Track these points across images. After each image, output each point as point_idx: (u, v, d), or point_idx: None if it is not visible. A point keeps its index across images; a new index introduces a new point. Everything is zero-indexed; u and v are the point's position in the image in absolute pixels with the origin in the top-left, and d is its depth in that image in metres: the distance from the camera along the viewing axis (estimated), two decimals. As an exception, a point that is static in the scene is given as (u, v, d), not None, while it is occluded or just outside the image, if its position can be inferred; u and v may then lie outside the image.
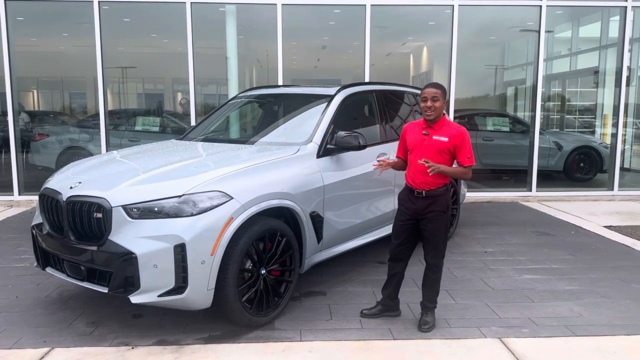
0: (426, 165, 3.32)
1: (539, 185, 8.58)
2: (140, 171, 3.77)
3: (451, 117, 8.11)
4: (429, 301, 3.64)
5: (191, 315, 3.72)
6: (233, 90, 8.29)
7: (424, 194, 3.50)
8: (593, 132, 10.42)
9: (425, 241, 3.58)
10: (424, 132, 3.53)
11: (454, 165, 3.57)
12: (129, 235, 3.22)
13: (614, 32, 8.92)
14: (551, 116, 10.61)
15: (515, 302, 4.12)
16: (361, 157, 4.48)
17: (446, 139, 3.45)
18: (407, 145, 3.63)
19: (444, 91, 3.49)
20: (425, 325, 3.57)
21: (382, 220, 4.94)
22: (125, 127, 9.09)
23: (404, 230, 3.63)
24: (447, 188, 3.57)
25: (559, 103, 10.82)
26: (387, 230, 4.98)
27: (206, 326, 3.62)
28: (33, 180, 8.18)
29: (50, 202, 3.66)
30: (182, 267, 3.18)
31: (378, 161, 3.67)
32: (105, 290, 3.29)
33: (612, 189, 8.72)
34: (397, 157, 3.80)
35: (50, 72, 9.83)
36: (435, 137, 3.47)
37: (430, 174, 3.36)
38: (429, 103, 3.43)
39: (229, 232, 3.32)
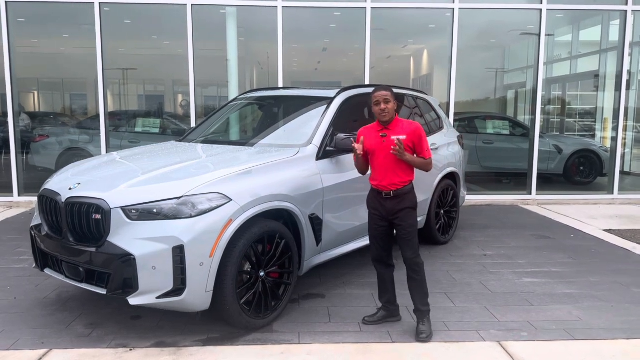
0: (396, 143, 3.38)
1: (538, 188, 8.57)
2: (139, 173, 3.77)
3: (451, 119, 8.11)
4: (422, 304, 3.58)
5: (189, 317, 3.72)
6: (233, 93, 8.29)
7: (392, 194, 3.54)
8: (593, 136, 10.43)
9: (401, 241, 3.59)
10: (381, 134, 3.57)
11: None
12: (128, 237, 3.21)
13: (614, 35, 8.93)
14: (551, 119, 10.62)
15: (515, 306, 4.11)
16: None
17: (404, 137, 3.52)
18: (365, 149, 3.64)
19: (393, 93, 3.58)
20: (422, 334, 3.50)
21: (382, 223, 4.93)
22: (126, 128, 9.10)
23: (380, 232, 3.67)
24: (413, 186, 3.63)
25: (559, 106, 10.84)
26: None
27: (204, 328, 3.61)
28: (33, 181, 8.17)
29: (49, 203, 3.66)
30: (180, 269, 3.17)
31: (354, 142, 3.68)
32: (103, 291, 3.28)
33: (612, 193, 8.71)
34: (354, 160, 3.80)
35: (51, 73, 9.85)
36: (393, 137, 3.50)
37: (391, 152, 3.43)
38: (382, 105, 3.51)
39: (228, 234, 3.32)
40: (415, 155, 3.58)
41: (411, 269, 3.59)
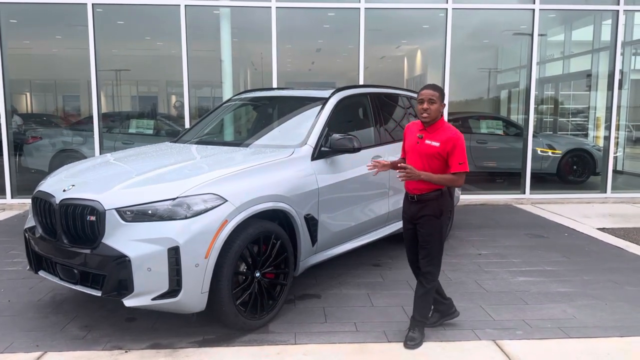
0: (404, 169, 3.23)
1: (532, 187, 8.61)
2: (133, 174, 3.75)
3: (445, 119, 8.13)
4: (420, 315, 3.46)
5: (185, 318, 3.69)
6: (227, 93, 8.28)
7: (415, 198, 3.42)
8: (586, 135, 10.49)
9: (419, 247, 3.47)
10: (418, 135, 3.40)
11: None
12: (123, 238, 3.20)
13: (606, 35, 9.00)
14: (544, 119, 10.67)
15: (509, 304, 4.13)
16: (356, 160, 4.48)
17: (437, 144, 3.31)
18: (405, 148, 3.56)
19: (442, 94, 3.36)
20: (412, 341, 3.39)
21: (377, 223, 4.94)
22: (119, 129, 9.06)
23: (408, 235, 3.57)
24: (442, 193, 3.40)
25: (552, 106, 10.90)
26: (382, 232, 5.00)
27: (200, 329, 3.60)
28: (26, 183, 8.13)
29: (43, 205, 3.64)
30: (175, 270, 3.16)
31: (372, 161, 3.59)
32: (98, 293, 3.27)
33: (605, 192, 8.76)
34: (402, 157, 3.66)
35: (44, 74, 9.80)
36: (427, 142, 3.34)
37: (400, 180, 3.29)
38: (425, 105, 3.30)
39: (223, 235, 3.31)
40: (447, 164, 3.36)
41: (424, 276, 3.44)
